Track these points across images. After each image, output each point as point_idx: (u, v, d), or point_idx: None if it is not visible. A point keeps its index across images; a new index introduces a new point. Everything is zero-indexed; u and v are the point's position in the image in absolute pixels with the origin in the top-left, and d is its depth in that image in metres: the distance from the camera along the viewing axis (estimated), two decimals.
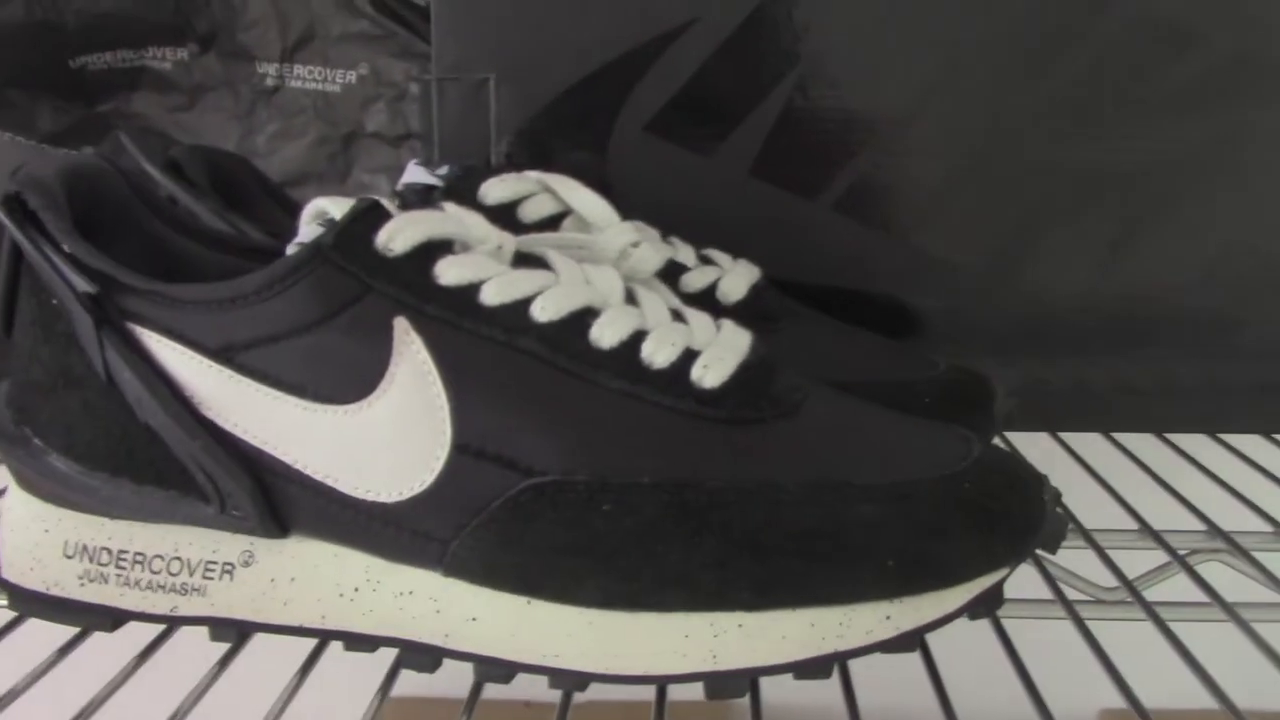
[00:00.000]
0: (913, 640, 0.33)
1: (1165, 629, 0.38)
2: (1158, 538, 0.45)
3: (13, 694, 0.35)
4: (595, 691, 0.34)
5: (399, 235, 0.33)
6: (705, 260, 0.47)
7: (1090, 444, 0.55)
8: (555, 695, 0.35)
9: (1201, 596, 0.41)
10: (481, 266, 0.34)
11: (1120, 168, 0.54)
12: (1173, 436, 0.56)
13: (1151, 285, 0.55)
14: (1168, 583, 0.46)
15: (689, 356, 0.34)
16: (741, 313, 0.44)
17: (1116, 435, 0.56)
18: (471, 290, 0.33)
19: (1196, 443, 0.55)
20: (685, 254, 0.47)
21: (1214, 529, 0.46)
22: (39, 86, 0.60)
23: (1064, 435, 0.56)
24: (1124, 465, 0.53)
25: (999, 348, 0.56)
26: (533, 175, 0.45)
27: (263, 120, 0.62)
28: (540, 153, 0.54)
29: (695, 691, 0.34)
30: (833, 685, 0.35)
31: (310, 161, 0.62)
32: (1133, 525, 0.47)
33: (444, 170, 0.46)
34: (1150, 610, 0.40)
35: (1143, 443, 0.55)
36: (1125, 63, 0.53)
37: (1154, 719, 0.34)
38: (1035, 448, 0.53)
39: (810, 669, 0.33)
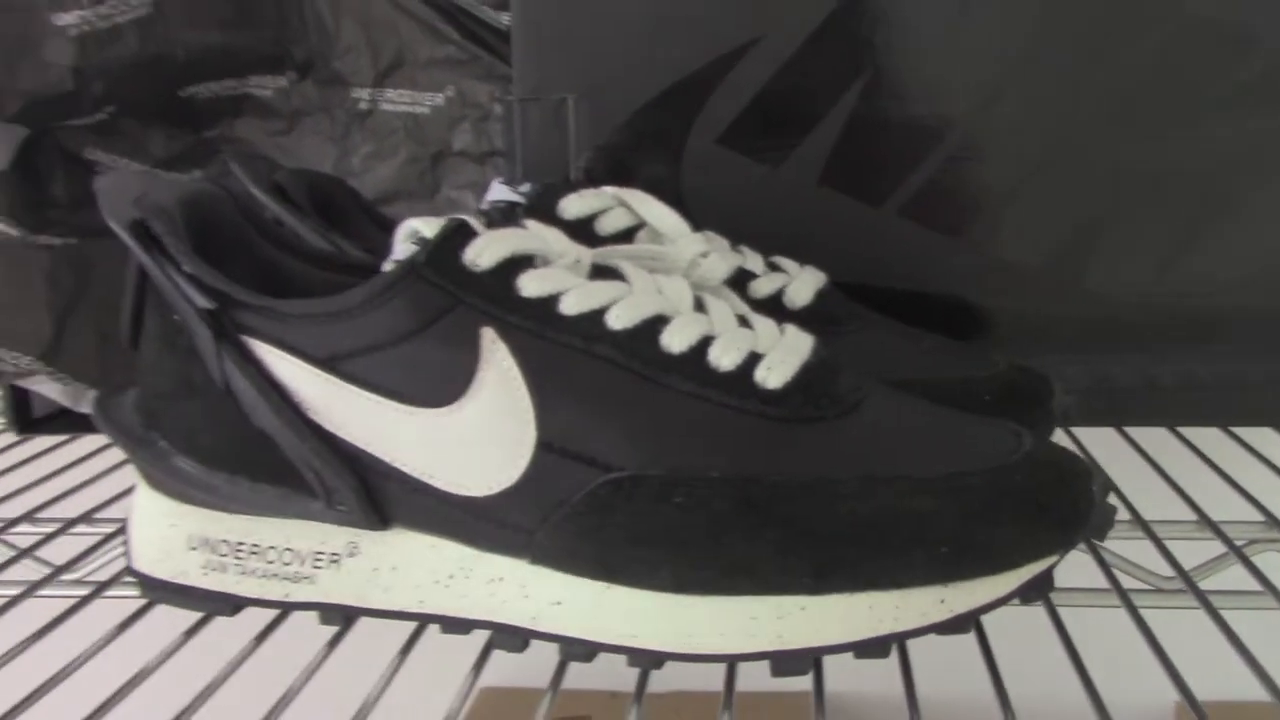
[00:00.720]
0: (966, 622, 0.35)
1: (1218, 618, 0.40)
2: (1214, 527, 0.46)
3: (144, 673, 0.38)
4: (671, 680, 0.36)
5: (485, 252, 0.36)
6: (773, 267, 0.50)
7: (1155, 438, 0.57)
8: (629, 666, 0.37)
9: (1255, 586, 0.43)
10: (560, 279, 0.37)
11: (1184, 167, 0.55)
12: (1236, 430, 0.56)
13: (1216, 282, 0.56)
14: (1225, 573, 0.47)
15: (753, 359, 0.37)
16: (808, 317, 0.47)
17: (1181, 430, 0.57)
18: (552, 301, 0.36)
19: (1260, 436, 0.56)
20: (754, 261, 0.49)
21: (1272, 519, 0.48)
22: (150, 115, 0.65)
23: (1130, 430, 0.57)
24: (1187, 459, 0.54)
25: (1065, 346, 0.58)
26: (609, 191, 0.48)
27: (357, 142, 0.66)
28: (617, 168, 0.57)
29: (761, 682, 0.36)
30: (894, 676, 0.37)
31: (401, 180, 0.65)
32: (1192, 516, 0.49)
33: (525, 187, 0.48)
34: (1203, 598, 0.41)
35: (1206, 437, 0.56)
36: (1187, 64, 0.54)
37: (1213, 712, 0.35)
38: (1101, 442, 0.55)
39: (869, 648, 0.35)
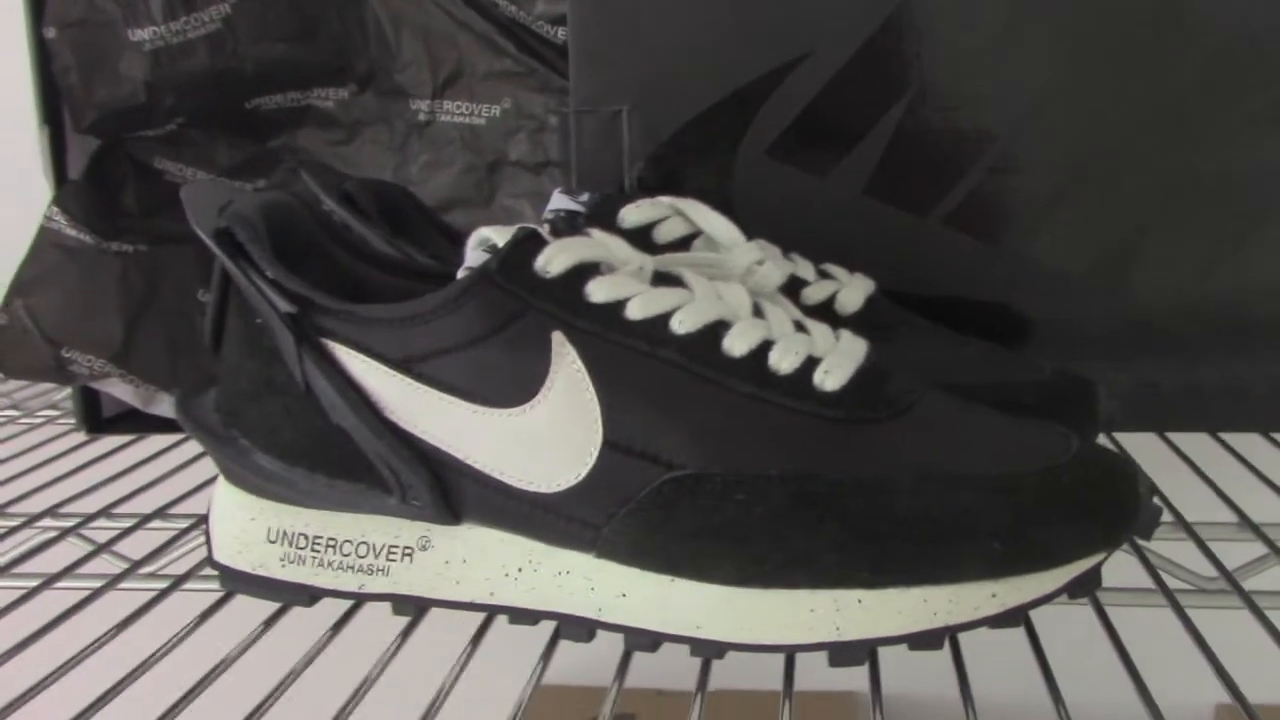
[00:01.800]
0: (1016, 616, 0.37)
1: (1263, 617, 0.41)
2: (1256, 529, 0.48)
3: (226, 661, 0.40)
4: (725, 679, 0.38)
5: (554, 260, 0.38)
6: (824, 275, 0.51)
7: (1196, 443, 0.58)
8: (686, 684, 0.39)
9: None
10: (626, 286, 0.38)
11: (1226, 175, 0.56)
12: (1278, 435, 0.57)
13: (1258, 289, 0.57)
14: (1264, 574, 0.48)
15: (811, 363, 0.38)
16: (858, 323, 0.48)
17: (1222, 435, 0.58)
18: (618, 307, 0.38)
19: None
20: (805, 269, 0.51)
21: None
22: (218, 126, 0.67)
23: (1171, 435, 0.58)
24: (1227, 463, 0.55)
25: (1109, 352, 0.59)
26: (665, 200, 0.50)
27: (415, 152, 0.68)
28: (670, 178, 0.59)
29: (818, 681, 0.37)
30: (944, 676, 0.38)
31: (458, 188, 0.67)
32: (1233, 518, 0.50)
33: (585, 197, 0.50)
34: (1248, 598, 0.42)
35: (1247, 442, 0.57)
36: (1230, 73, 0.55)
37: (1263, 715, 0.36)
38: (1143, 447, 0.56)
39: (923, 640, 0.36)
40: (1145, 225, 0.57)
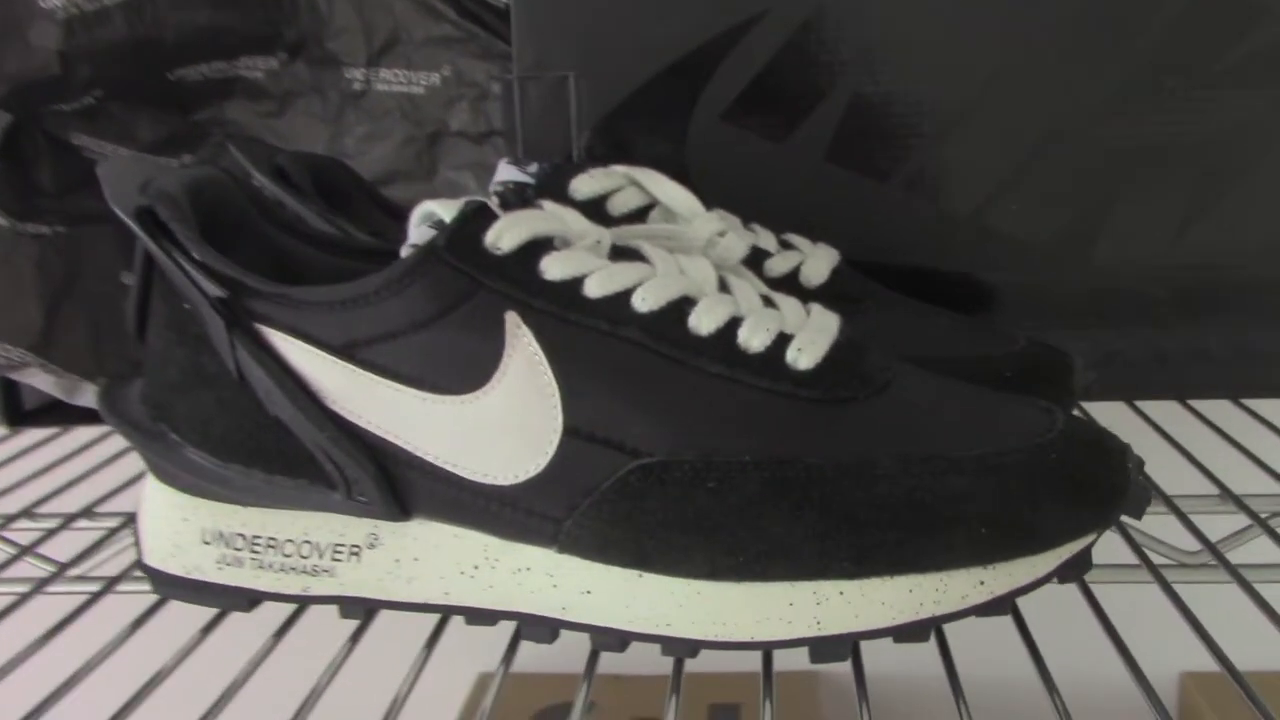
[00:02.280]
0: (1005, 604, 0.35)
1: (1251, 590, 0.39)
2: (1238, 501, 0.46)
3: (161, 674, 0.38)
4: (704, 661, 0.36)
5: (506, 234, 0.35)
6: (786, 245, 0.49)
7: (1166, 411, 0.56)
8: (648, 668, 0.36)
9: None
10: (583, 261, 0.36)
11: (1189, 140, 0.55)
12: (1247, 401, 0.56)
13: (1222, 254, 0.56)
14: (1247, 545, 0.47)
15: (783, 340, 0.36)
16: (824, 295, 0.46)
17: (1192, 402, 0.57)
18: (576, 284, 0.35)
19: (1271, 407, 0.56)
20: (767, 240, 0.48)
21: None
22: (139, 99, 0.63)
23: (1140, 404, 0.57)
24: (1199, 431, 0.54)
25: (1073, 320, 0.57)
26: (619, 169, 0.47)
27: (351, 123, 0.64)
28: (620, 146, 0.56)
29: (799, 660, 0.36)
30: (931, 655, 0.37)
31: (397, 161, 0.64)
32: (1210, 490, 0.48)
33: (533, 168, 0.48)
34: (1235, 572, 0.41)
35: (1217, 408, 0.56)
36: (1191, 37, 0.54)
37: (1244, 677, 0.35)
38: (1111, 416, 0.55)
39: (909, 632, 0.34)
40: (1111, 190, 0.56)
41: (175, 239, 0.36)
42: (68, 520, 0.51)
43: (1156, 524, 0.47)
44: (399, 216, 0.53)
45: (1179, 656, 0.78)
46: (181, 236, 0.36)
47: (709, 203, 0.47)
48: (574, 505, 0.35)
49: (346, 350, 0.36)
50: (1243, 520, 0.46)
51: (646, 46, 0.55)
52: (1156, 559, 0.44)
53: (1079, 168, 0.56)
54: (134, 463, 0.50)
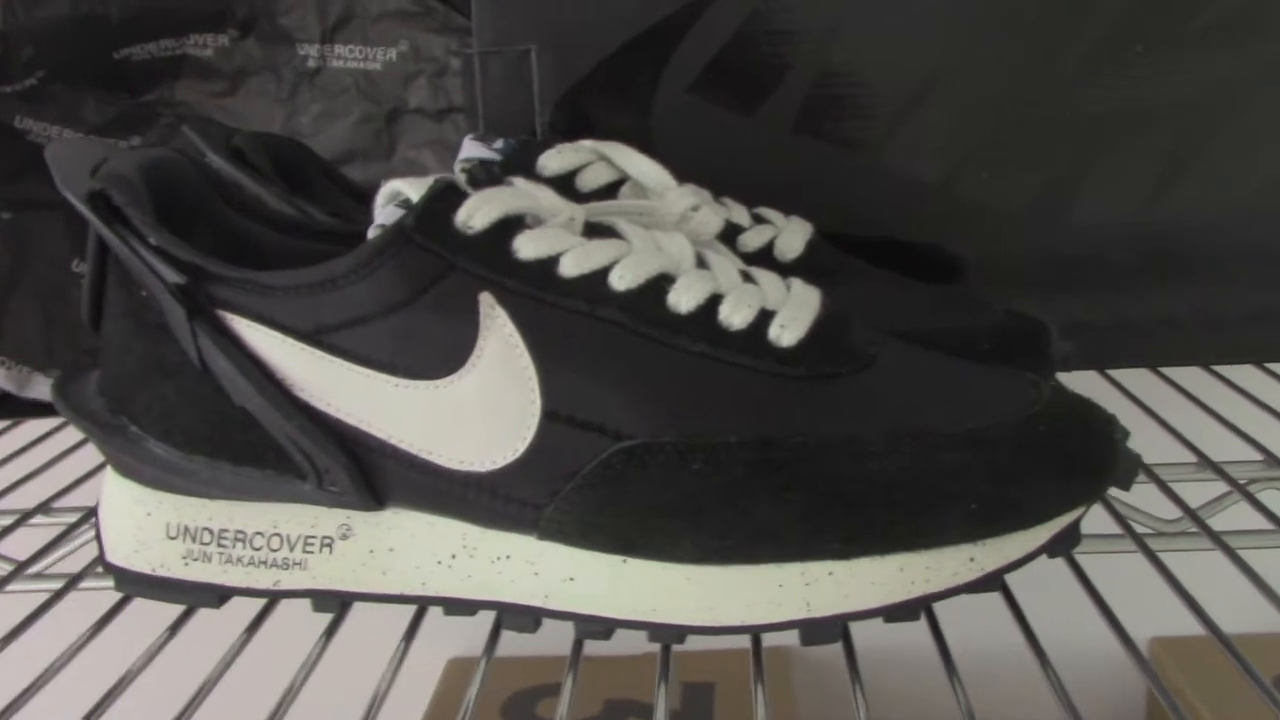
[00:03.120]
0: (994, 580, 0.34)
1: (1235, 556, 0.39)
2: (1218, 469, 0.46)
3: (129, 676, 0.36)
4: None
5: (477, 213, 0.34)
6: (759, 219, 0.48)
7: (1138, 380, 0.56)
8: (621, 647, 0.36)
9: (1261, 524, 0.42)
10: (558, 239, 0.35)
11: (1157, 105, 0.55)
12: (1219, 369, 0.56)
13: (1192, 220, 0.56)
14: (1225, 512, 0.47)
15: (765, 317, 0.35)
16: (800, 269, 0.45)
17: (1164, 370, 0.57)
18: (550, 263, 0.34)
19: (1243, 373, 0.56)
20: (739, 214, 0.47)
21: (1272, 458, 0.47)
22: (84, 79, 0.61)
23: (1112, 373, 0.57)
24: (1173, 399, 0.54)
25: (1044, 289, 0.57)
26: (588, 144, 0.46)
27: (306, 101, 0.63)
28: (584, 121, 0.55)
29: (772, 638, 0.35)
30: (916, 627, 0.36)
31: (355, 140, 0.63)
32: (1188, 458, 0.48)
33: (500, 144, 0.46)
34: (1219, 540, 0.41)
35: (1189, 376, 0.56)
36: (1156, 3, 0.53)
37: (1233, 642, 0.35)
38: (1084, 384, 0.54)
39: (900, 612, 0.34)
40: (1080, 159, 0.55)
41: (130, 224, 0.35)
42: (24, 516, 0.49)
43: (1135, 492, 0.47)
44: (361, 197, 0.52)
45: (1148, 622, 0.79)
46: (137, 221, 0.35)
47: (678, 177, 0.46)
48: (555, 491, 0.34)
49: (314, 336, 0.34)
50: (1220, 487, 0.46)
51: (609, 18, 0.54)
52: (1138, 528, 0.44)
53: (1048, 134, 0.55)
54: (91, 455, 0.49)
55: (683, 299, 0.35)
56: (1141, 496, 0.47)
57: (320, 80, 0.62)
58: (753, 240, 0.46)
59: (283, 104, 0.63)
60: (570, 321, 0.34)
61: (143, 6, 0.59)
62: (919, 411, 0.34)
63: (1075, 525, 0.35)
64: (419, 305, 0.34)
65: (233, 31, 0.62)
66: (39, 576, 0.46)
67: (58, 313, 0.60)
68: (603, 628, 0.35)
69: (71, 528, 0.48)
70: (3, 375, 0.58)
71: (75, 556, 0.47)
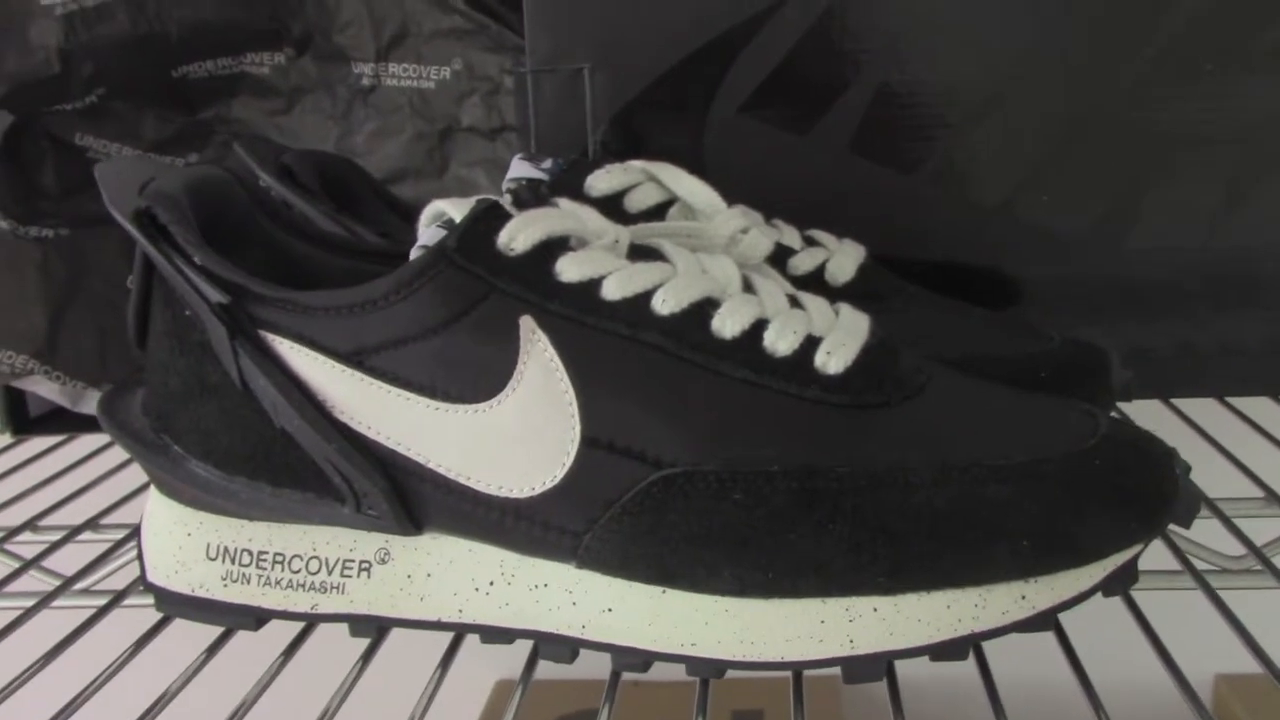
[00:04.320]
0: (1048, 619, 0.33)
1: None
2: None
3: (167, 696, 0.36)
4: None
5: (520, 234, 0.34)
6: (811, 242, 0.47)
7: (1203, 409, 0.54)
8: (664, 673, 0.35)
9: None
10: (601, 262, 0.34)
11: (1221, 129, 0.53)
12: None
13: (1257, 245, 0.54)
14: None
15: (811, 343, 0.34)
16: (851, 293, 0.44)
17: (1229, 400, 0.55)
18: (593, 286, 0.34)
19: None
20: (790, 236, 0.47)
21: None
22: (143, 97, 0.62)
23: (1177, 402, 0.55)
24: (1239, 430, 0.52)
25: (1106, 315, 0.55)
26: (637, 165, 0.45)
27: (360, 119, 0.63)
28: (637, 141, 0.54)
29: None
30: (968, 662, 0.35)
31: (408, 158, 0.63)
32: (1253, 492, 0.47)
33: (548, 164, 0.46)
34: None
35: (1257, 406, 0.54)
36: (1223, 22, 0.52)
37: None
38: (1146, 415, 0.53)
39: (947, 651, 0.33)
40: (1144, 181, 0.54)
41: (175, 242, 0.35)
42: (73, 533, 0.50)
43: (1198, 528, 0.46)
44: (410, 216, 0.52)
45: (1213, 658, 0.76)
46: (181, 239, 0.35)
47: (729, 198, 0.45)
48: (593, 518, 0.33)
49: (354, 357, 0.34)
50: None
51: (663, 37, 0.54)
52: (1199, 564, 0.42)
53: (1111, 156, 0.54)
54: (139, 472, 0.49)
55: (727, 324, 0.34)
56: (1206, 531, 0.45)
57: (374, 99, 0.62)
58: (804, 263, 0.45)
59: (337, 122, 0.63)
60: (612, 346, 0.33)
61: (201, 25, 0.59)
62: (968, 443, 0.33)
63: (1133, 563, 0.34)
64: (459, 327, 0.33)
65: (289, 50, 0.62)
66: (85, 593, 0.46)
67: (112, 329, 0.60)
68: (640, 660, 0.34)
69: (118, 544, 0.48)
70: (57, 390, 0.59)
71: (121, 574, 0.47)
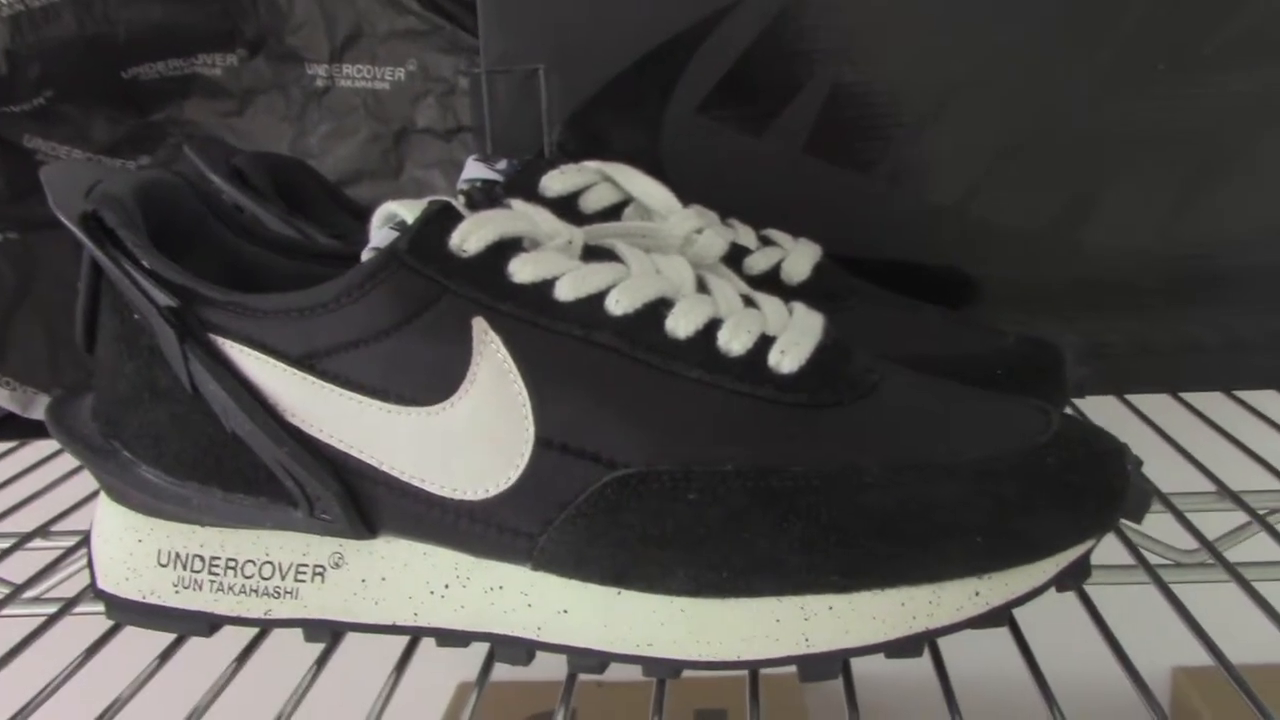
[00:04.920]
0: (1001, 615, 0.33)
1: (1251, 590, 0.38)
2: (1237, 499, 0.45)
3: (119, 702, 0.36)
4: None
5: (472, 236, 0.33)
6: (766, 241, 0.47)
7: (1158, 405, 0.55)
8: (628, 674, 0.35)
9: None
10: (554, 263, 0.34)
11: (1175, 127, 0.54)
12: (1242, 394, 0.55)
13: (1211, 242, 0.55)
14: (1246, 542, 0.45)
15: (765, 342, 0.34)
16: (806, 293, 0.45)
17: (1184, 395, 0.56)
18: (546, 287, 0.34)
19: (1265, 399, 0.54)
20: (746, 236, 0.47)
21: None
22: (92, 99, 0.61)
23: (1131, 397, 0.55)
24: (1194, 425, 0.53)
25: (1062, 312, 0.56)
26: (592, 165, 0.45)
27: (314, 121, 0.62)
28: (593, 141, 0.54)
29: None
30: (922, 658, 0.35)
31: (363, 160, 0.62)
32: (1206, 486, 0.47)
33: (503, 165, 0.46)
34: (1235, 572, 0.40)
35: (1210, 401, 0.55)
36: (1176, 20, 0.52)
37: (1242, 675, 0.34)
38: (1102, 410, 0.53)
39: (902, 648, 0.33)
40: (1098, 179, 0.54)
41: (123, 246, 0.34)
42: (23, 540, 0.49)
43: (1152, 522, 0.46)
44: (364, 218, 0.51)
45: (1171, 651, 0.77)
46: (129, 243, 0.34)
47: (685, 198, 0.45)
48: (548, 520, 0.33)
49: (306, 361, 0.34)
50: (1240, 517, 0.45)
51: (618, 37, 0.53)
52: (1153, 558, 0.43)
53: (1065, 154, 0.54)
54: (91, 479, 0.48)
55: (680, 324, 0.34)
56: (1160, 526, 0.46)
57: (328, 100, 0.62)
58: (759, 263, 0.45)
59: (291, 123, 0.63)
60: (565, 346, 0.33)
61: (150, 26, 0.58)
62: (921, 441, 0.33)
63: (1085, 558, 0.34)
64: (411, 330, 0.33)
65: (241, 51, 0.62)
66: (36, 600, 0.46)
67: (63, 334, 0.59)
68: (596, 661, 0.34)
69: (69, 551, 0.47)
70: (7, 396, 0.58)
71: (72, 581, 0.46)
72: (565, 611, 0.34)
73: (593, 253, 0.36)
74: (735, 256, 0.45)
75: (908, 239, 0.55)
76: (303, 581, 0.36)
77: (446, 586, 0.35)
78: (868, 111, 0.54)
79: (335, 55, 0.61)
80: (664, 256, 0.37)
